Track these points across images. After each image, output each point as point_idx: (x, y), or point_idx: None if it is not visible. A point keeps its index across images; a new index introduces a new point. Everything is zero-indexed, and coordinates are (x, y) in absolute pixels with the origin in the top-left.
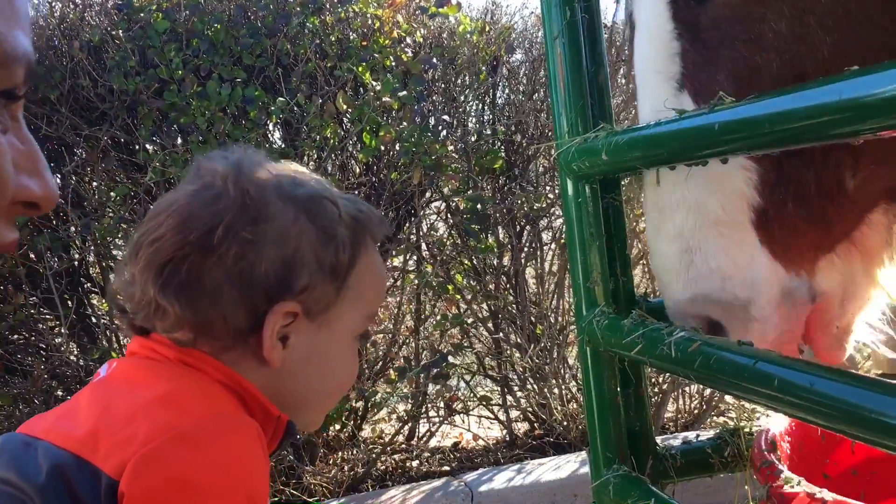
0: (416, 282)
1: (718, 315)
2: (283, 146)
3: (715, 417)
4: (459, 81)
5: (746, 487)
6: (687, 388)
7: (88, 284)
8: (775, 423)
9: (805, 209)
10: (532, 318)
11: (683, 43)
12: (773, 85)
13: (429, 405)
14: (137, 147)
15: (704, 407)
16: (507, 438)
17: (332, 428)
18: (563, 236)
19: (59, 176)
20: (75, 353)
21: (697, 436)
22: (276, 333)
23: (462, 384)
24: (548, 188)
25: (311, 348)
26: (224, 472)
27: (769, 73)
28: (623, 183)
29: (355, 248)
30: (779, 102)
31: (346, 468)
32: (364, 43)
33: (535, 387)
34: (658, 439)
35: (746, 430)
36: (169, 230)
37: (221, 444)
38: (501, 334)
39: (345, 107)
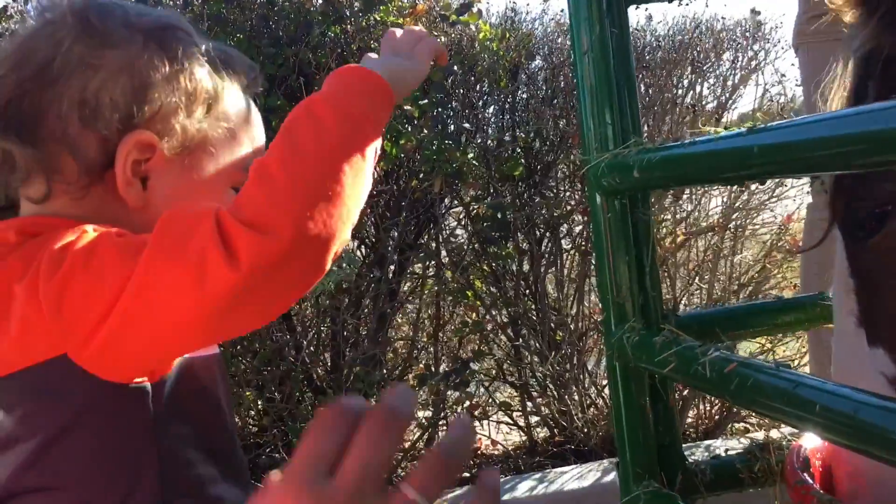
0: (436, 288)
1: None
2: None
3: (735, 424)
4: (479, 88)
5: (777, 503)
6: (707, 395)
7: None
8: (807, 438)
9: None
10: (552, 325)
11: (855, 280)
12: None
13: (448, 411)
14: None
15: (725, 413)
16: (528, 445)
17: None
18: (583, 243)
19: None
20: None
21: (726, 450)
22: (130, 167)
23: (481, 390)
24: (567, 195)
25: (176, 188)
26: None
27: None
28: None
29: (218, 81)
30: (819, 128)
31: None
32: None
33: (556, 393)
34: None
35: (776, 444)
36: (7, 70)
37: None
38: (521, 340)
39: None
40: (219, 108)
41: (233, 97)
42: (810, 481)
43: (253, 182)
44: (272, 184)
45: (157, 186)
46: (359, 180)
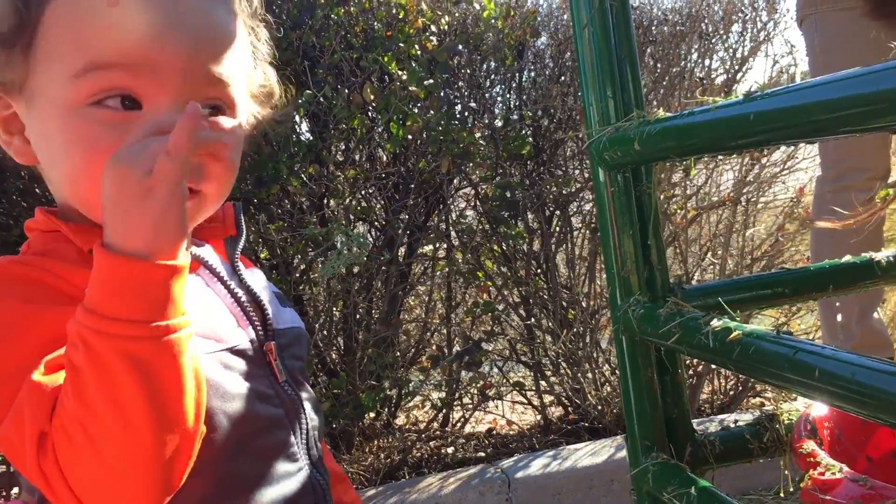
0: (447, 269)
1: None
2: (310, 138)
3: (751, 398)
4: (485, 67)
5: (787, 472)
6: (722, 370)
7: None
8: (815, 407)
9: None
10: (563, 303)
11: None
12: None
13: (462, 392)
14: None
15: (740, 388)
16: (542, 423)
17: (367, 416)
18: (593, 220)
19: None
20: None
21: (736, 421)
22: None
23: (494, 370)
24: (576, 172)
25: (35, 132)
26: None
27: None
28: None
29: (28, 10)
30: (815, 93)
31: (382, 456)
32: (389, 33)
33: (569, 371)
34: (695, 423)
35: (785, 414)
36: None
37: None
38: (533, 320)
39: (371, 97)
40: (40, 31)
41: (57, 11)
42: (817, 448)
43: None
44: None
45: (29, 134)
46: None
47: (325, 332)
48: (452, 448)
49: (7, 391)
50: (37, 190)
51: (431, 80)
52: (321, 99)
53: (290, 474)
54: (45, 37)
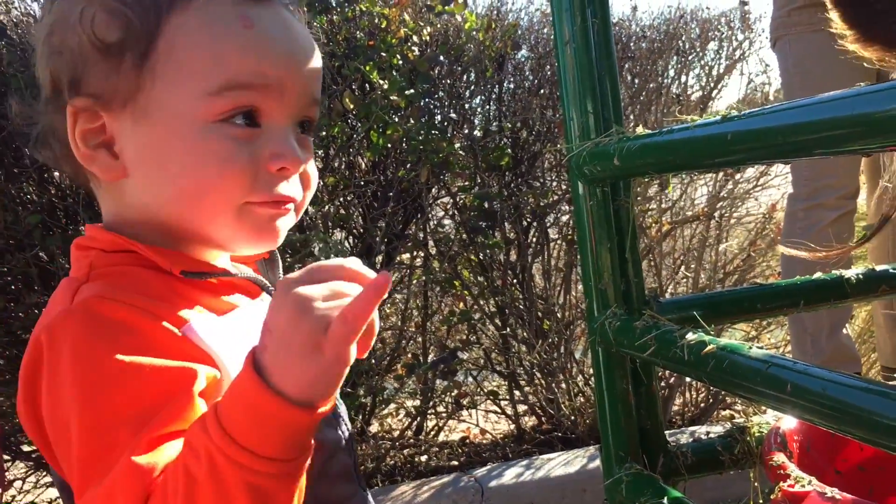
0: (424, 278)
1: None
2: None
3: (721, 411)
4: (465, 78)
5: (756, 485)
6: (693, 382)
7: None
8: (785, 420)
9: None
10: (539, 314)
11: None
12: None
13: (437, 400)
14: None
15: (711, 400)
16: (515, 433)
17: None
18: (570, 232)
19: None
20: None
21: (707, 433)
22: (80, 137)
23: (469, 379)
24: (554, 184)
25: (139, 147)
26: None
27: None
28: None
29: (150, 11)
30: (791, 115)
31: None
32: (371, 42)
33: (543, 382)
34: (667, 434)
35: (756, 427)
36: None
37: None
38: (509, 330)
39: (352, 105)
40: (161, 43)
41: (185, 21)
42: (786, 460)
43: None
44: None
45: (124, 150)
46: None
47: None
48: (426, 456)
49: (88, 443)
50: (11, 190)
51: (412, 90)
52: None
53: (352, 496)
54: (171, 52)
